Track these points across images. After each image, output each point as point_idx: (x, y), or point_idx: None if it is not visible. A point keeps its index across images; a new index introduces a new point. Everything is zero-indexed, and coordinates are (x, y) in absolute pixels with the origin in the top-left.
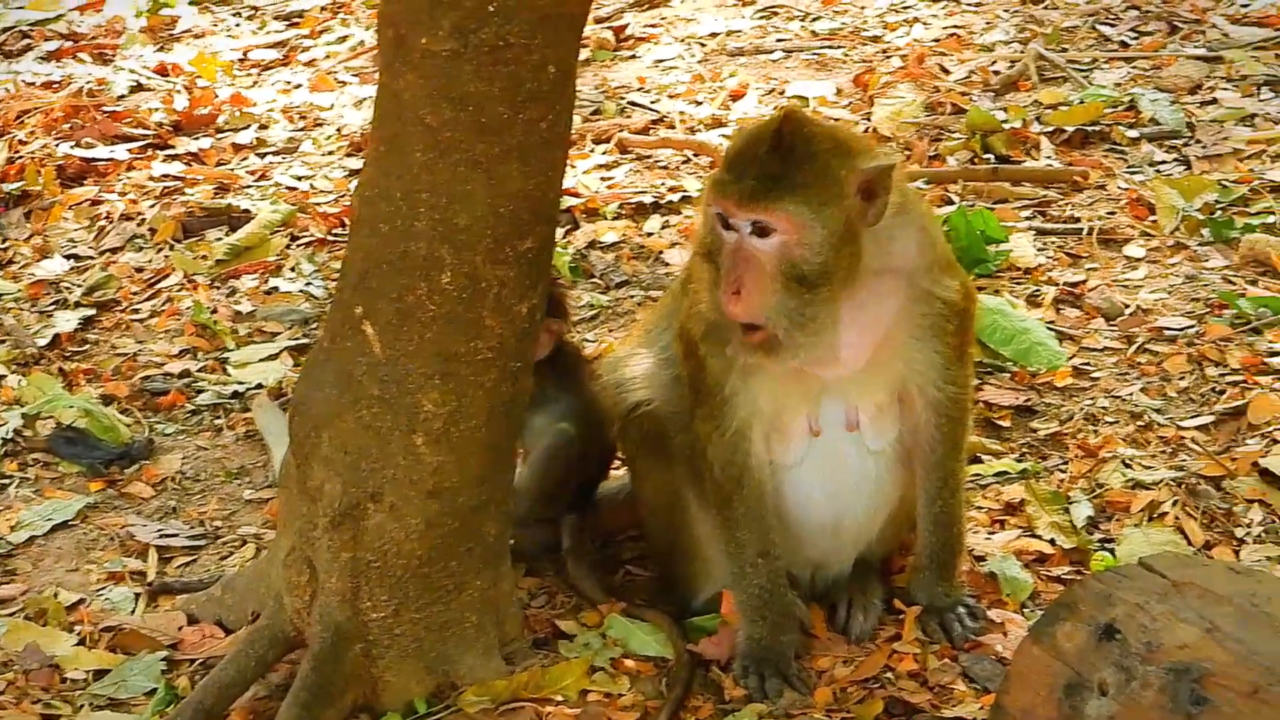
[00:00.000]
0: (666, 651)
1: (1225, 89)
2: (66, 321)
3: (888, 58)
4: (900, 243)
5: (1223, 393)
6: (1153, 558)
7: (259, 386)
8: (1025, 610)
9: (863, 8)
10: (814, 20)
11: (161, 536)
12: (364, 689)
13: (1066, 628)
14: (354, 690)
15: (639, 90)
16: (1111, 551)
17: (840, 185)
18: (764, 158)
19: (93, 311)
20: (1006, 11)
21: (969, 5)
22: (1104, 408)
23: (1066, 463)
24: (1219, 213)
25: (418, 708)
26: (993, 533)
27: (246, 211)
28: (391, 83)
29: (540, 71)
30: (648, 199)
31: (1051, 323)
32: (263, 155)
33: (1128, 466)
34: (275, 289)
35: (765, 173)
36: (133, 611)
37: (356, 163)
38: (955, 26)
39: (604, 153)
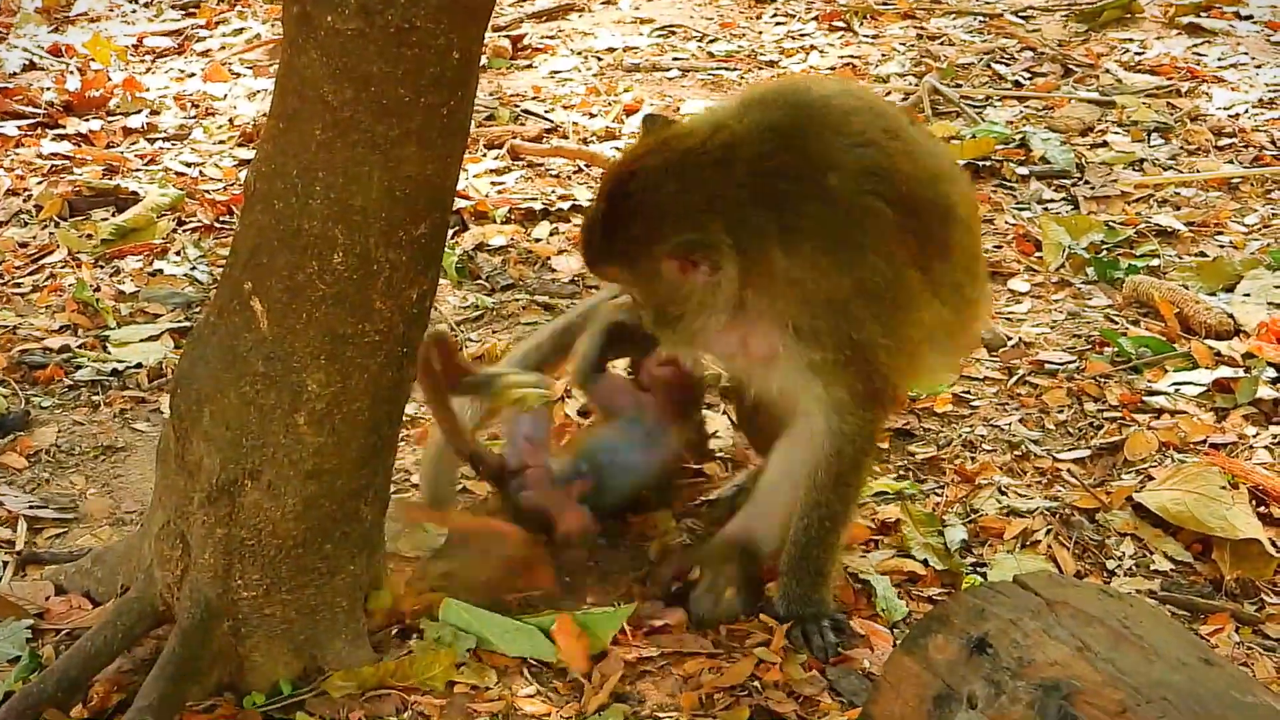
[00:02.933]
0: (531, 653)
1: (1116, 133)
2: None
3: None
4: None
5: (1100, 428)
6: (1028, 576)
7: (139, 366)
8: (895, 630)
9: (760, 33)
10: (711, 42)
11: (31, 508)
12: (230, 668)
13: (939, 640)
14: (220, 668)
15: (534, 99)
16: (984, 575)
17: (651, 258)
18: (592, 225)
19: None
20: (902, 45)
21: (865, 37)
22: (982, 436)
23: (943, 487)
24: (1104, 253)
25: (283, 689)
26: (867, 551)
27: (134, 194)
28: (294, 59)
29: (444, 56)
30: (537, 205)
31: None
32: (153, 140)
33: (1003, 494)
34: (159, 271)
35: (591, 240)
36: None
37: (247, 153)
38: (852, 56)
39: (496, 158)
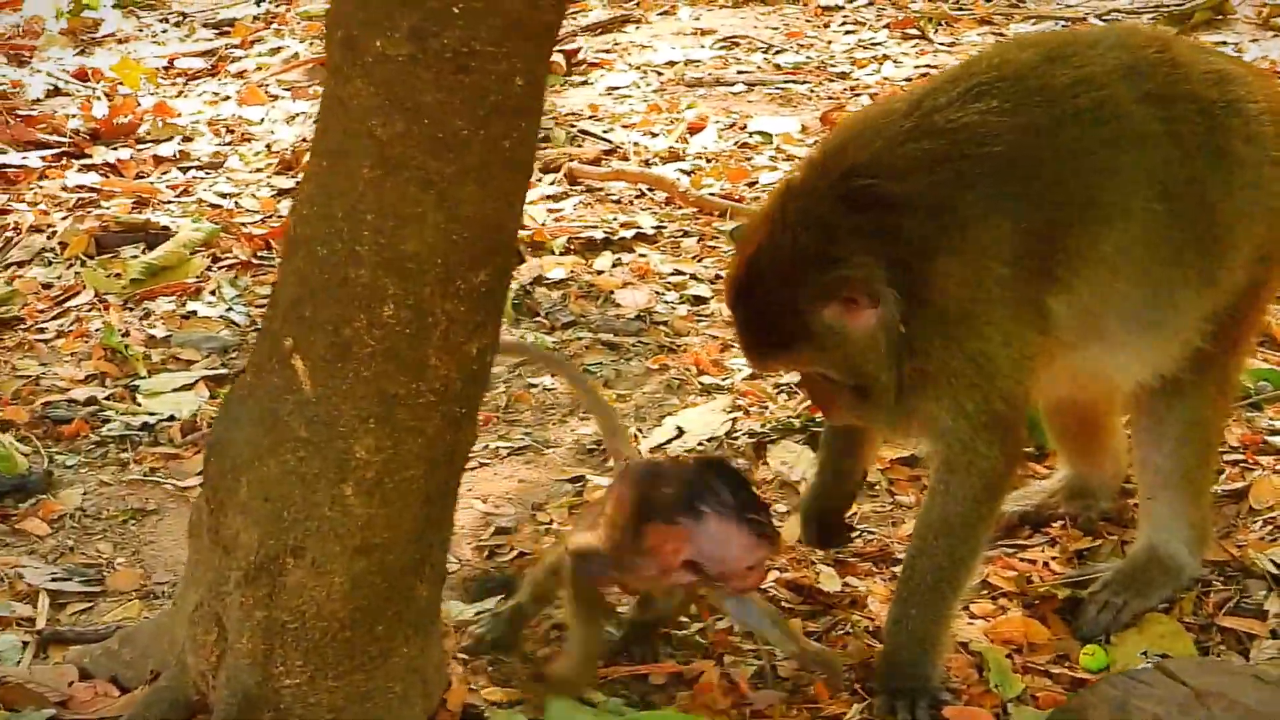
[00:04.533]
0: None
1: None
2: None
3: (856, 95)
4: None
5: (1221, 472)
6: (1172, 661)
7: (171, 419)
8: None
9: (829, 42)
10: (777, 53)
11: (54, 580)
12: None
13: None
14: None
15: (590, 118)
16: (1104, 645)
17: (801, 318)
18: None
19: None
20: (979, 52)
21: (942, 45)
22: None
23: (1053, 541)
24: None
25: None
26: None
27: (166, 228)
28: (338, 89)
29: (506, 83)
30: (598, 234)
31: None
32: (185, 169)
33: (1125, 545)
34: (193, 313)
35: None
36: (19, 662)
37: (287, 181)
38: (928, 66)
39: (552, 182)
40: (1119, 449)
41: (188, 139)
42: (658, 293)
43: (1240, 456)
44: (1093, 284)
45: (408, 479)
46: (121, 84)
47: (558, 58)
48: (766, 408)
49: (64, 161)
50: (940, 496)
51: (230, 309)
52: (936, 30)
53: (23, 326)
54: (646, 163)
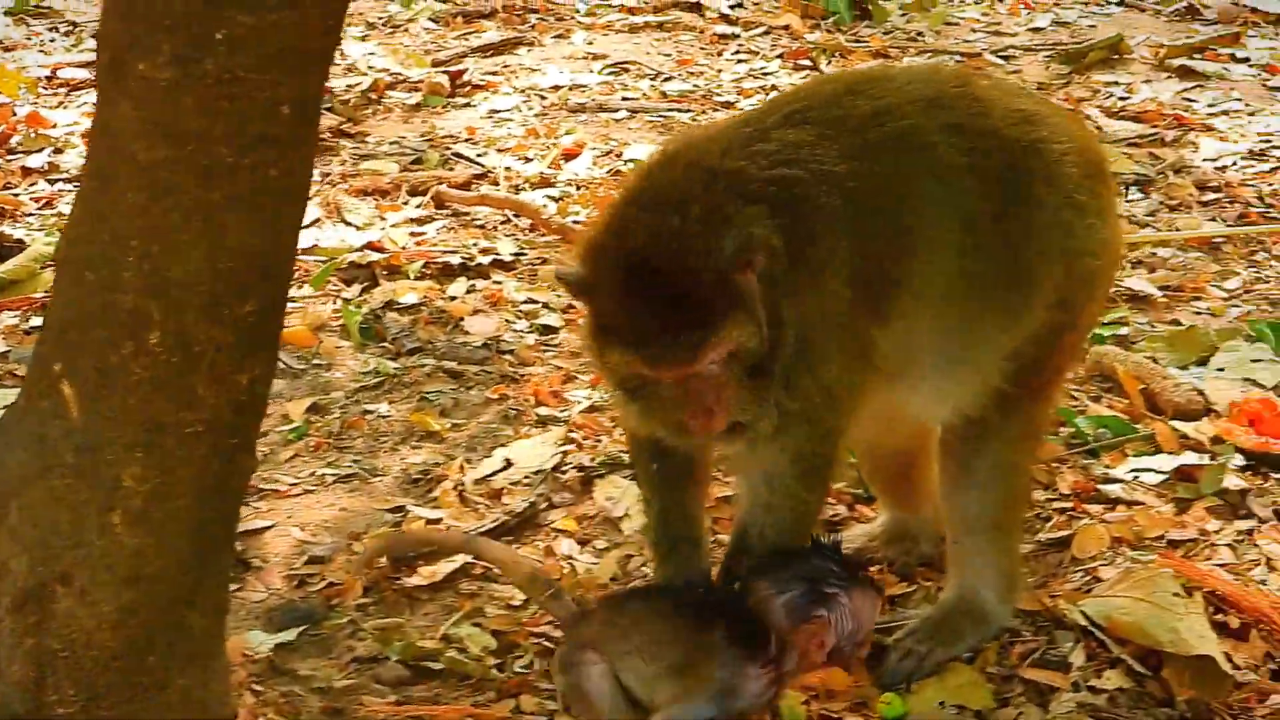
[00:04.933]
0: None
1: None
2: None
3: None
4: None
5: (1049, 519)
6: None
7: None
8: None
9: (719, 71)
10: (666, 80)
11: None
12: None
13: None
14: None
15: (467, 141)
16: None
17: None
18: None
19: None
20: None
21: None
22: None
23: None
24: None
25: None
26: None
27: (20, 241)
28: (104, 112)
29: (272, 111)
30: (456, 259)
31: None
32: (53, 181)
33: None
34: (37, 329)
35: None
36: None
37: None
38: None
39: (419, 205)
40: (936, 492)
41: (59, 150)
42: (508, 321)
43: (1068, 505)
44: (907, 316)
45: (177, 509)
46: (0, 93)
47: (442, 79)
48: (600, 441)
49: None
50: (754, 531)
51: None
52: (830, 62)
53: None
54: (517, 188)
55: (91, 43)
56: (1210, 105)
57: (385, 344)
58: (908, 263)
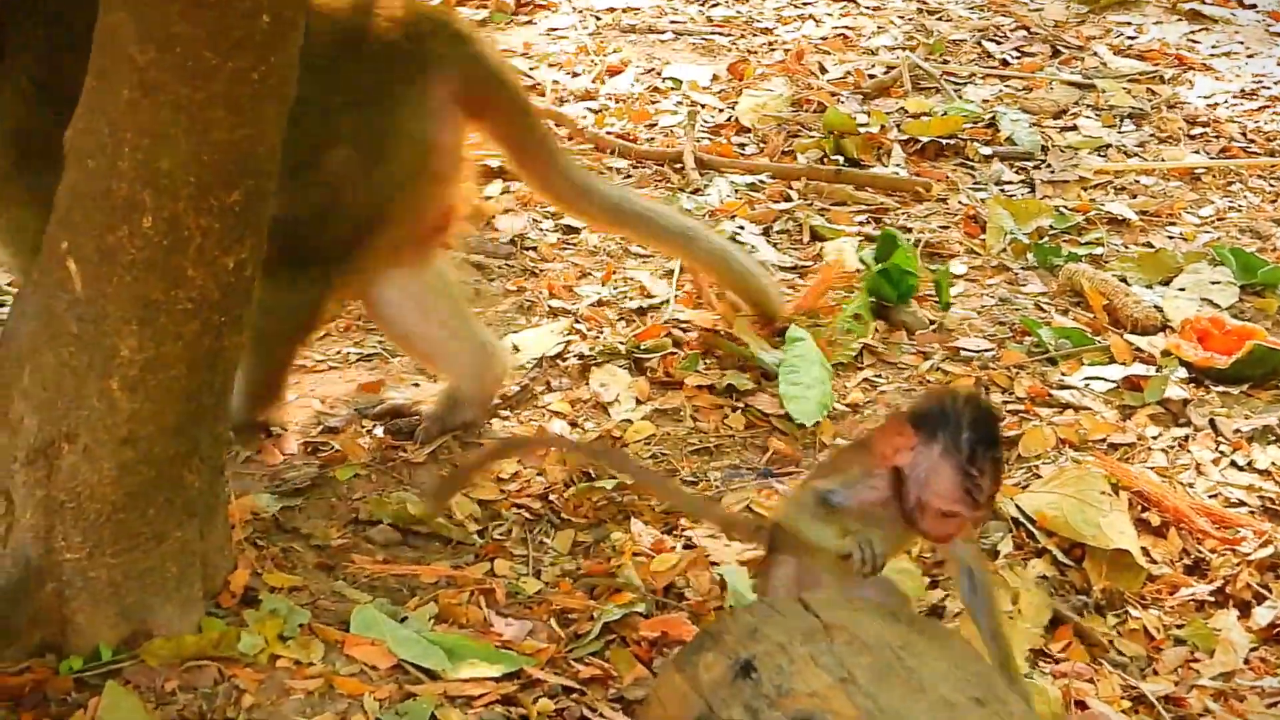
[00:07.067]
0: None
1: (1089, 117)
2: None
3: (771, 50)
4: None
5: (1000, 419)
6: (813, 596)
7: None
8: None
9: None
10: (712, 6)
11: None
12: (53, 630)
13: (709, 658)
14: (41, 630)
15: (522, 55)
16: None
17: None
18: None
19: None
20: (900, 18)
21: (866, 8)
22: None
23: None
24: (1048, 239)
25: (102, 654)
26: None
27: None
28: (106, 17)
29: (251, 20)
30: (495, 163)
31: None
32: None
33: None
34: None
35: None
36: None
37: None
38: (846, 27)
39: None
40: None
41: None
42: (535, 220)
43: (1021, 408)
44: None
45: (170, 378)
46: None
47: None
48: (602, 333)
49: None
50: None
51: None
52: None
53: None
54: (561, 100)
55: None
56: (1213, 47)
57: None
58: None
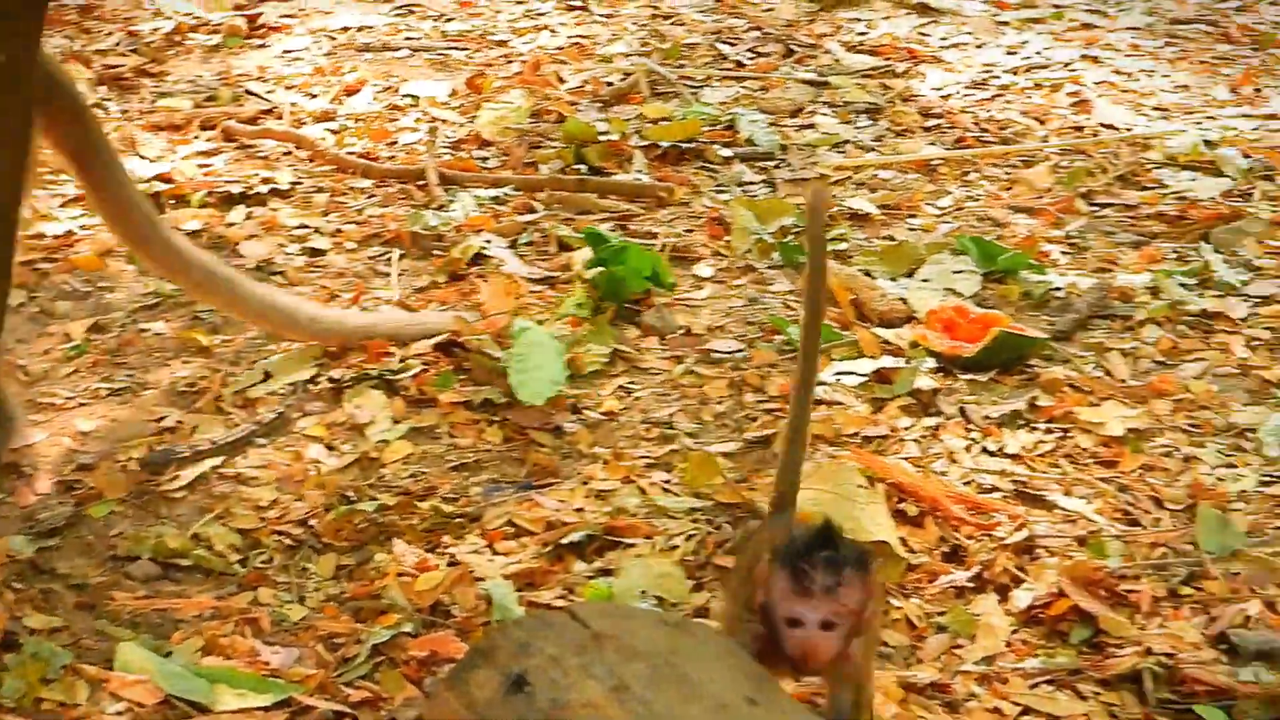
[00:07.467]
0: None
1: (825, 114)
2: None
3: (508, 62)
4: None
5: (756, 419)
6: (582, 605)
7: None
8: None
9: (498, 12)
10: (447, 21)
11: None
12: None
13: (480, 675)
14: None
15: (258, 79)
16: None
17: None
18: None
19: None
20: (634, 24)
21: (599, 16)
22: (641, 428)
23: (587, 482)
24: (791, 237)
25: None
26: (498, 554)
27: None
28: None
29: None
30: (237, 189)
31: None
32: None
33: (644, 492)
34: None
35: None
36: None
37: None
38: (581, 36)
39: (208, 139)
40: None
41: None
42: (280, 245)
43: (775, 406)
44: None
45: None
46: None
47: (240, 22)
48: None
49: None
50: None
51: None
52: (600, 1)
53: None
54: (300, 122)
55: None
56: (942, 39)
57: None
58: None
